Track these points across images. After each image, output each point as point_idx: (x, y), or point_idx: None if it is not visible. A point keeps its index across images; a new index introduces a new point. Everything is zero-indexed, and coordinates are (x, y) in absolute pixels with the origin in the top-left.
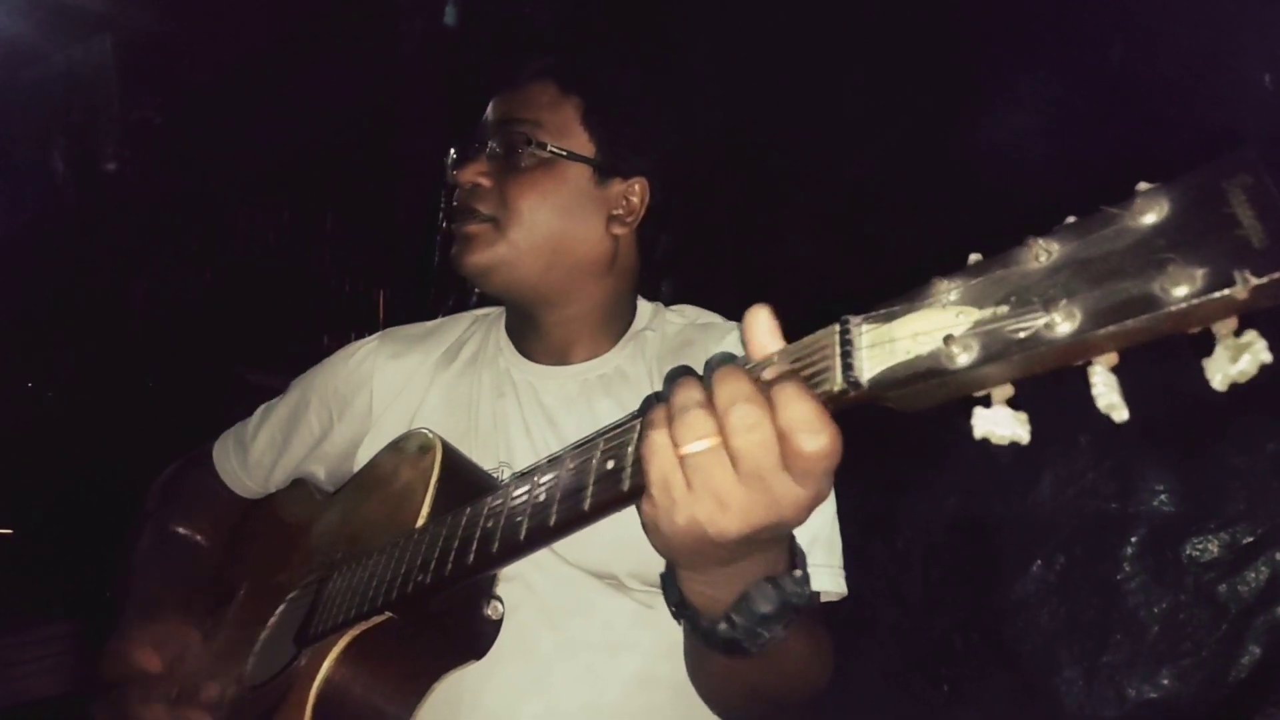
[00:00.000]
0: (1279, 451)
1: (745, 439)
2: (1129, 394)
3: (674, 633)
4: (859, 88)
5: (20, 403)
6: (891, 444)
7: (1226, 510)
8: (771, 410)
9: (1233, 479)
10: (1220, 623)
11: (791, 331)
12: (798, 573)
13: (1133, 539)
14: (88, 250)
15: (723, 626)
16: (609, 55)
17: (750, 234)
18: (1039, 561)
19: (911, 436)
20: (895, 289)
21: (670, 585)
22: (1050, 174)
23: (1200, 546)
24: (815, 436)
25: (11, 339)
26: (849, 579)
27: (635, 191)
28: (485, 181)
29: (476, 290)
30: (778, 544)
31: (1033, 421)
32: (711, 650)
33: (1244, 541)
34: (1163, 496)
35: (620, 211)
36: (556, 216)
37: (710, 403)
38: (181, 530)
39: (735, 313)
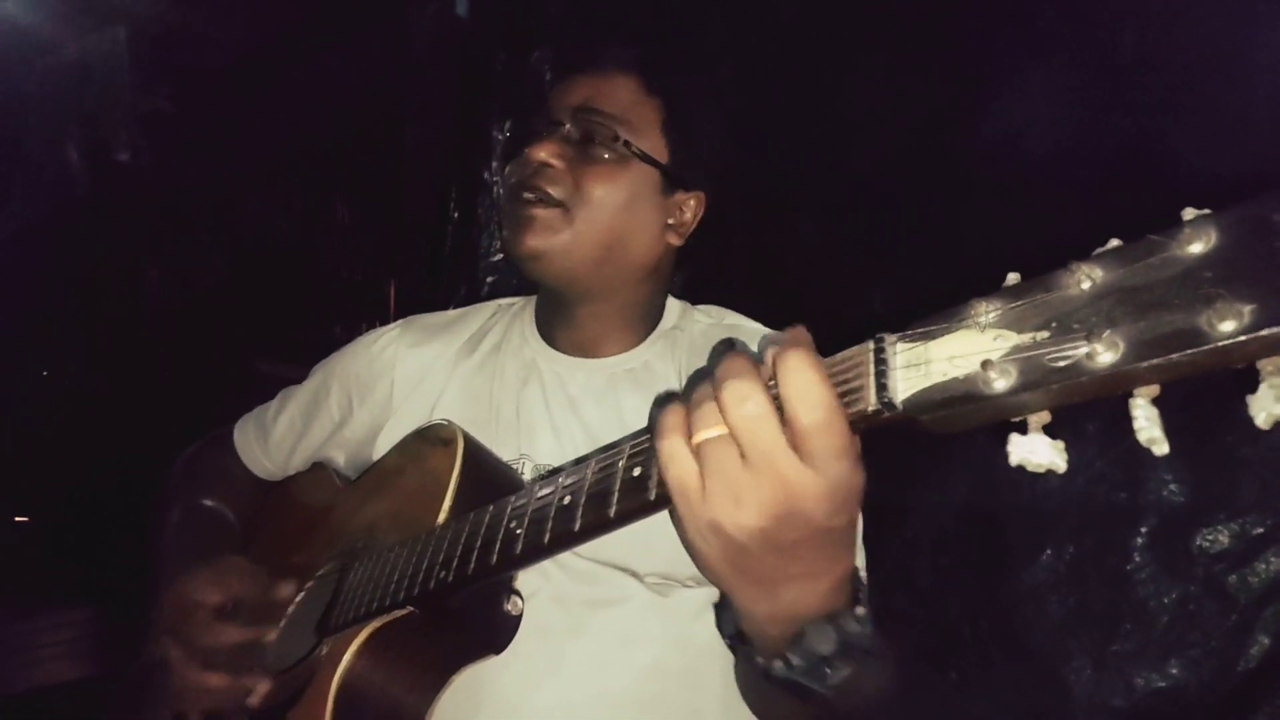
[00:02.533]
0: None
1: (738, 412)
2: None
3: (686, 623)
4: (870, 76)
5: (35, 391)
6: (901, 433)
7: (1237, 501)
8: (778, 389)
9: (1243, 470)
10: (1230, 613)
11: (800, 319)
12: (859, 610)
13: (1142, 529)
14: (101, 240)
15: (778, 665)
16: (690, 61)
17: (762, 222)
18: (1048, 551)
19: (922, 434)
20: (911, 282)
21: (726, 619)
22: (1061, 162)
23: (1210, 537)
24: (812, 409)
25: (26, 328)
26: None
27: (691, 206)
28: (558, 163)
29: (489, 280)
30: (825, 570)
31: (1052, 423)
32: (770, 687)
33: (1254, 532)
34: (1173, 487)
35: (674, 221)
36: (622, 214)
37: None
38: (209, 503)
39: (747, 300)
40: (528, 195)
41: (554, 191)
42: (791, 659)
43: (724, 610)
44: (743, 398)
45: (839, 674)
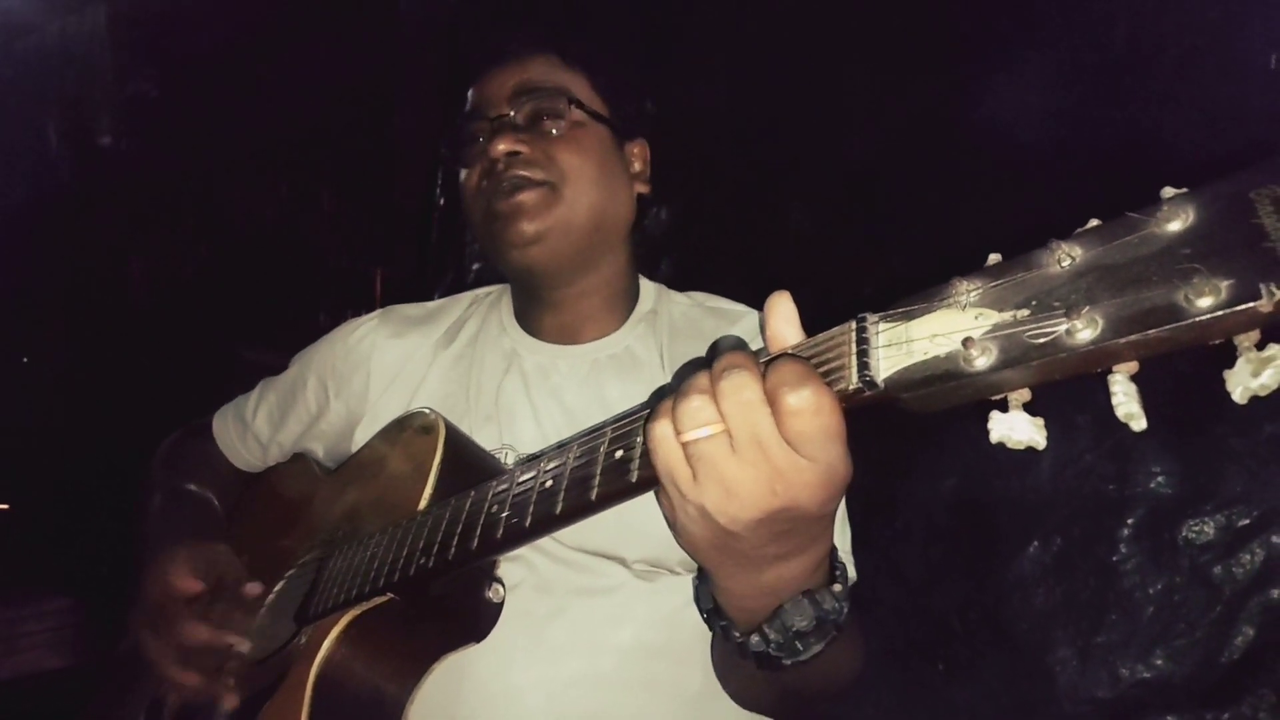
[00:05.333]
0: (1277, 433)
1: (733, 401)
2: None
3: (671, 602)
4: (862, 63)
5: (17, 379)
6: (891, 424)
7: (1224, 492)
8: (764, 383)
9: (1230, 461)
10: (1215, 604)
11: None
12: (836, 588)
13: (1129, 520)
14: (83, 226)
15: (755, 639)
16: (590, 26)
17: (751, 209)
18: (1036, 542)
19: (911, 417)
20: (902, 270)
21: (703, 593)
22: (1053, 151)
23: (1197, 529)
24: (797, 391)
25: (7, 315)
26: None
27: (637, 154)
28: (526, 148)
29: (475, 267)
30: (808, 548)
31: (1032, 401)
32: (744, 660)
33: (1240, 524)
34: (1160, 478)
35: (634, 172)
36: (602, 175)
37: (710, 388)
38: (192, 488)
39: (737, 287)
40: (508, 185)
41: (534, 174)
42: (768, 633)
43: (702, 585)
44: (738, 388)
45: (812, 650)
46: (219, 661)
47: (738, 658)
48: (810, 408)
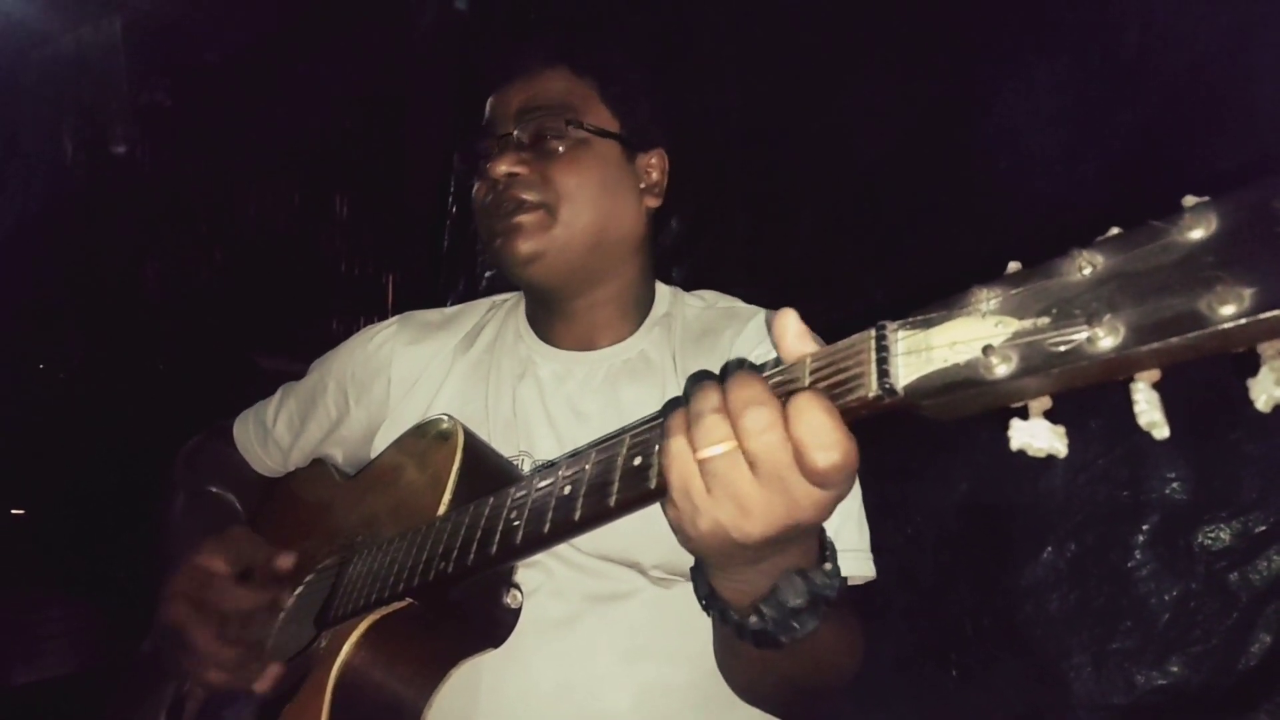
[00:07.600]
0: None
1: (758, 441)
2: None
3: (690, 637)
4: (873, 71)
5: (33, 385)
6: (903, 429)
7: (1239, 498)
8: (786, 422)
9: (1246, 467)
10: (1231, 611)
11: (801, 310)
12: (828, 565)
13: (1144, 527)
14: (98, 233)
15: (753, 619)
16: (606, 32)
17: (763, 217)
18: (1050, 548)
19: (927, 424)
20: (914, 276)
21: (699, 579)
22: (1064, 156)
23: (1212, 535)
24: (828, 452)
25: (24, 321)
26: None
27: (655, 164)
28: (523, 169)
29: (487, 275)
30: (806, 538)
31: (1052, 409)
32: (742, 641)
33: (1256, 530)
34: (1175, 484)
35: (645, 185)
36: (602, 194)
37: (725, 407)
38: (214, 490)
39: (748, 294)
40: (507, 206)
41: (530, 196)
42: (765, 611)
43: (698, 572)
44: (764, 428)
45: (807, 626)
46: (258, 641)
47: (736, 639)
48: (836, 466)
